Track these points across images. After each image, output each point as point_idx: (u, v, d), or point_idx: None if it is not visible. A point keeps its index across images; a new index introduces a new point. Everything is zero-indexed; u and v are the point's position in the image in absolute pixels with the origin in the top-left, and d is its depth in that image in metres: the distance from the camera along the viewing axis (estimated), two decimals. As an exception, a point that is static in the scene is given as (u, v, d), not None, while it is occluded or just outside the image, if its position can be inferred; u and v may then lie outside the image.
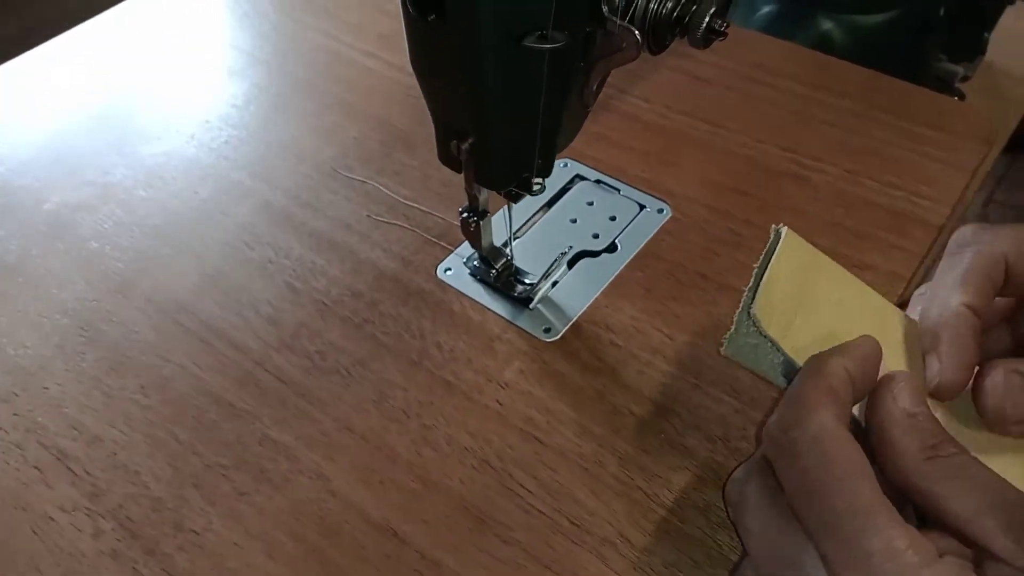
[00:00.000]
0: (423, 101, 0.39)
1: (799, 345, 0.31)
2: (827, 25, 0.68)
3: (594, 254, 0.50)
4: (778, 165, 0.54)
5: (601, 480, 0.40)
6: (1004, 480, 0.28)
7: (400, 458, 0.41)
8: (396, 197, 0.54)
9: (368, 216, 0.53)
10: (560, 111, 0.37)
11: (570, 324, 0.46)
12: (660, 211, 0.52)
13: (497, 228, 0.47)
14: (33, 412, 0.44)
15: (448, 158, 0.41)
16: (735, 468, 0.32)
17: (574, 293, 0.48)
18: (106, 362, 0.46)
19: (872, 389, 0.31)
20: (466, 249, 0.50)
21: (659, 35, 0.33)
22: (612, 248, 0.50)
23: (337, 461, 0.41)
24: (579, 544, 0.38)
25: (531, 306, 0.47)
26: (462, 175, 0.41)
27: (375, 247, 0.51)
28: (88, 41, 0.70)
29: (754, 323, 0.30)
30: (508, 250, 0.48)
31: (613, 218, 0.52)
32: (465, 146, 0.38)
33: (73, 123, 0.62)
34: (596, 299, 0.47)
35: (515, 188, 0.42)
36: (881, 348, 0.31)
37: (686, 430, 0.41)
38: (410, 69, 0.37)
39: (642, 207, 0.52)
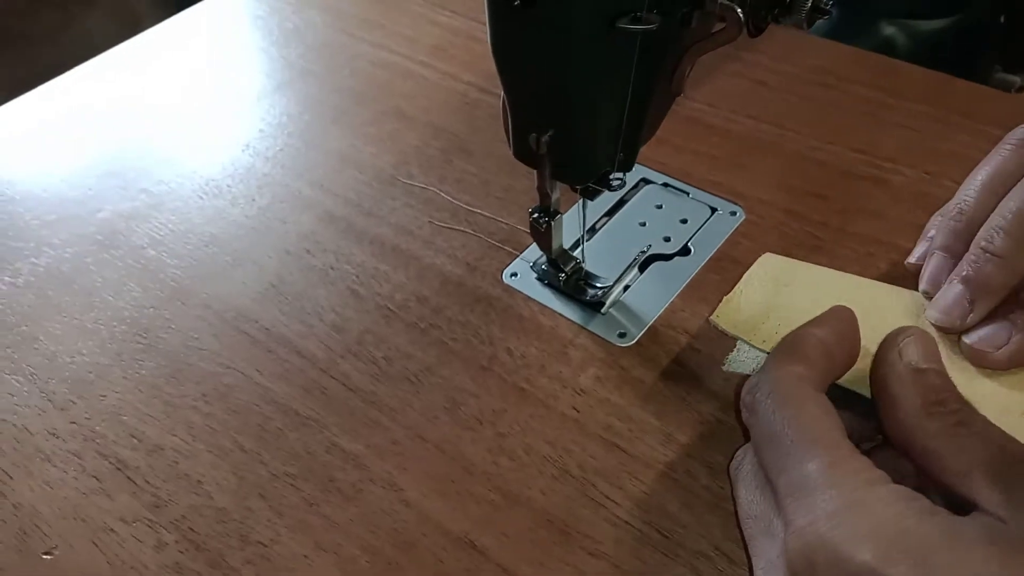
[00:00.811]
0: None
1: (773, 343, 0.33)
2: (889, 31, 0.66)
3: (667, 257, 0.48)
4: (853, 168, 0.52)
5: (692, 491, 0.37)
6: (1009, 436, 0.27)
7: (476, 468, 0.39)
8: (458, 203, 0.53)
9: (430, 222, 0.52)
10: (649, 99, 0.35)
11: (646, 329, 0.44)
12: (733, 214, 0.50)
13: (565, 231, 0.46)
14: (91, 420, 0.43)
15: (524, 153, 0.39)
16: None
17: (647, 297, 0.46)
18: (165, 370, 0.45)
19: (880, 346, 0.31)
20: (532, 253, 0.49)
21: (759, 15, 0.32)
22: (685, 251, 0.48)
23: (410, 471, 0.39)
24: (672, 557, 0.35)
25: (603, 310, 0.45)
26: (534, 173, 0.40)
27: (439, 253, 0.50)
28: (140, 54, 0.70)
29: (714, 325, 0.35)
30: (579, 252, 0.46)
31: (684, 221, 0.50)
32: (545, 139, 0.37)
33: (127, 134, 0.61)
34: (672, 303, 0.45)
35: (593, 184, 0.40)
36: (855, 314, 0.32)
37: (779, 438, 0.39)
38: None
39: (714, 210, 0.50)
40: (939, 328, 0.34)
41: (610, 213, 0.51)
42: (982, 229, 0.33)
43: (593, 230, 0.50)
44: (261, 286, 0.49)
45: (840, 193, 0.51)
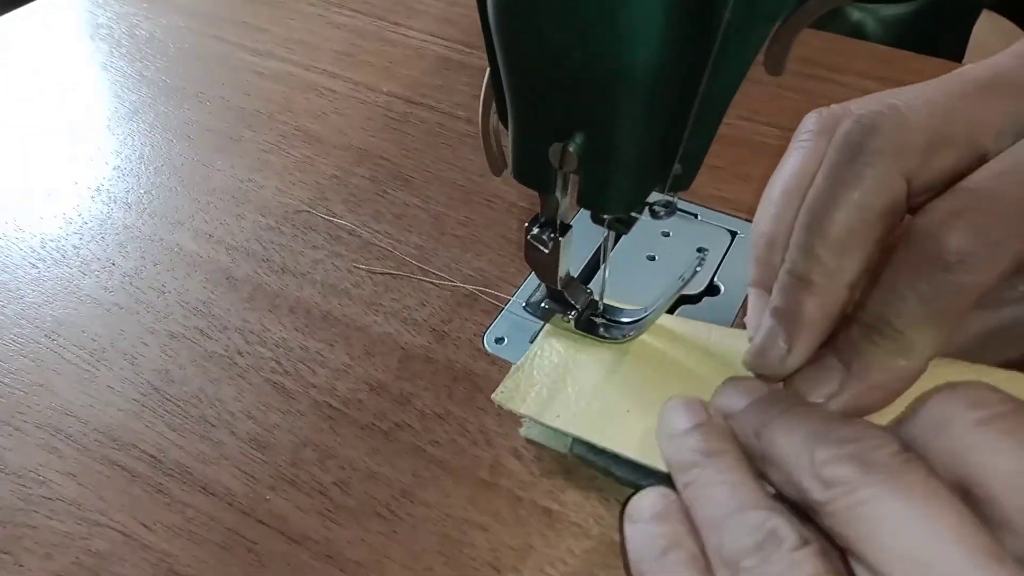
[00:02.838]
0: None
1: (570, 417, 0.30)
2: (857, 16, 0.60)
3: (694, 299, 0.37)
4: (881, 170, 0.43)
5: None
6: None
7: (504, 644, 0.26)
8: (404, 245, 0.40)
9: (371, 274, 0.38)
10: (736, 85, 0.24)
11: (692, 399, 0.33)
12: (759, 237, 0.40)
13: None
14: None
15: (532, 172, 0.27)
16: None
17: (682, 355, 0.34)
18: (-6, 539, 0.29)
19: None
20: (516, 305, 0.36)
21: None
22: (713, 290, 0.37)
23: (406, 666, 0.26)
24: None
25: (631, 375, 0.33)
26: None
27: (390, 318, 0.36)
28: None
29: (499, 404, 0.30)
30: (600, 291, 0.34)
31: (702, 250, 0.39)
32: (573, 148, 0.25)
33: (-80, 185, 0.44)
34: (717, 361, 0.34)
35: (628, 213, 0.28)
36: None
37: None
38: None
39: (734, 234, 0.40)
40: (760, 376, 0.28)
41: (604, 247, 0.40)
42: (788, 251, 0.27)
43: (591, 270, 0.38)
44: (137, 390, 0.34)
45: (876, 202, 0.41)
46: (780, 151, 0.44)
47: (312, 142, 0.46)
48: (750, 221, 0.40)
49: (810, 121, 0.30)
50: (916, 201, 0.26)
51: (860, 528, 0.20)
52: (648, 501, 0.26)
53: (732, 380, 0.28)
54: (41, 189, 0.44)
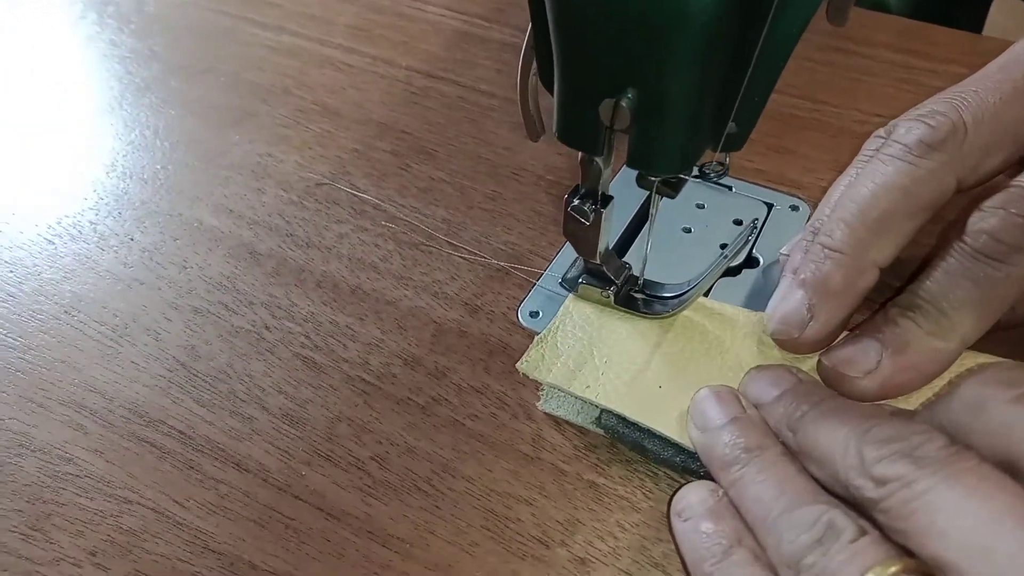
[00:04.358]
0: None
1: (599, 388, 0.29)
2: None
3: (733, 271, 0.36)
4: (914, 141, 0.42)
5: None
6: None
7: (556, 620, 0.25)
8: (432, 220, 0.39)
9: (399, 249, 0.37)
10: (796, 36, 0.23)
11: (737, 372, 0.32)
12: (795, 208, 0.39)
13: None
14: None
15: (578, 132, 0.26)
16: None
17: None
18: (21, 519, 0.28)
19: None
20: (549, 279, 0.35)
21: None
22: (752, 261, 0.36)
23: (455, 642, 0.25)
24: None
25: (672, 348, 0.32)
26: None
27: (421, 292, 0.35)
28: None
29: (524, 373, 0.30)
30: (641, 264, 0.33)
31: (738, 222, 0.38)
32: (626, 103, 0.24)
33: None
34: (760, 333, 0.33)
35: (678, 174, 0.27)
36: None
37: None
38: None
39: (770, 206, 0.39)
40: (782, 345, 0.28)
41: (638, 219, 0.39)
42: (824, 224, 0.28)
43: (625, 243, 0.37)
44: (163, 366, 0.33)
45: (911, 173, 0.41)
46: (810, 123, 0.44)
47: (331, 116, 0.45)
48: (789, 194, 0.39)
49: (872, 144, 0.30)
50: (962, 190, 0.27)
51: (919, 520, 0.20)
52: (697, 497, 0.25)
53: (760, 368, 0.28)
54: (53, 165, 0.43)
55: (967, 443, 0.22)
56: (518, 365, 0.30)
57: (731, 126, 0.26)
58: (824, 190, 0.39)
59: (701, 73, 0.23)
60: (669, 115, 0.24)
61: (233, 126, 0.45)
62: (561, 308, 0.33)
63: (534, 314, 0.34)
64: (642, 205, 0.39)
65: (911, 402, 0.28)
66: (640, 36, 0.23)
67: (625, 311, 0.32)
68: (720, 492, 0.25)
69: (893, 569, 0.20)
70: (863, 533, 0.21)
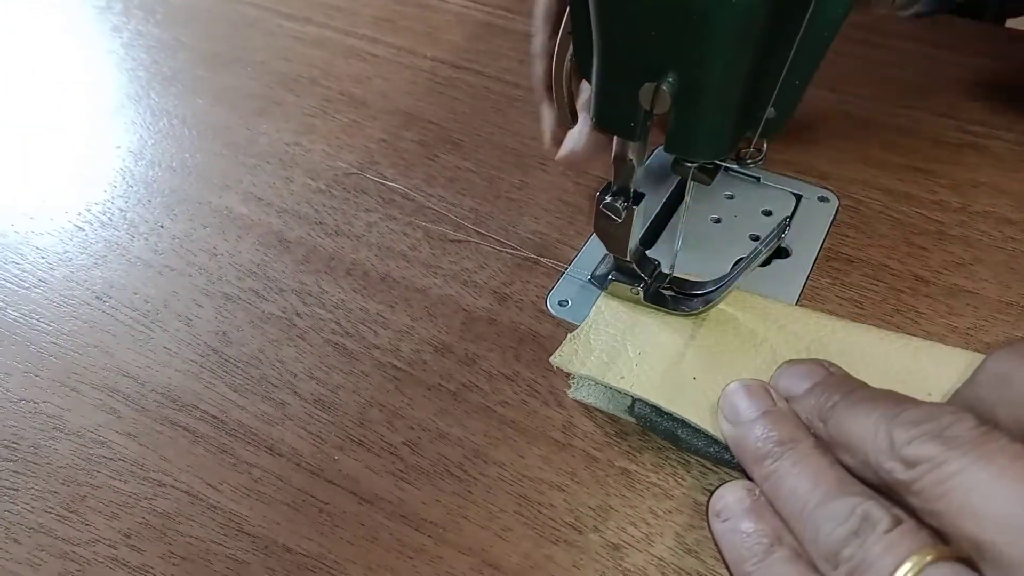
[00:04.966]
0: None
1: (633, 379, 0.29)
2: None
3: (764, 262, 0.36)
4: (944, 134, 0.42)
5: None
6: None
7: (591, 606, 0.25)
8: (460, 209, 0.39)
9: (428, 238, 0.37)
10: (840, 21, 0.23)
11: (767, 362, 0.32)
12: (824, 200, 0.39)
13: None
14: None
15: (616, 117, 0.26)
16: None
17: (753, 317, 0.33)
18: (56, 500, 0.28)
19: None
20: (580, 268, 0.35)
21: None
22: (782, 252, 0.36)
23: (490, 626, 0.25)
24: None
25: (702, 339, 0.32)
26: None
27: (450, 280, 0.35)
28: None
29: (560, 368, 0.30)
30: (672, 257, 0.33)
31: (768, 213, 0.38)
32: (666, 87, 0.24)
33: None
34: (790, 323, 0.33)
35: (716, 161, 0.27)
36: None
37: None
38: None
39: (799, 197, 0.39)
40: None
41: (667, 208, 0.39)
42: None
43: (652, 235, 0.37)
44: (195, 352, 0.33)
45: (940, 164, 0.40)
46: (839, 115, 0.44)
47: (357, 106, 0.45)
48: (817, 185, 0.39)
49: None
50: None
51: (952, 500, 0.20)
52: (735, 497, 0.25)
53: (792, 362, 0.28)
54: (82, 153, 0.43)
55: (994, 416, 0.22)
56: (552, 359, 0.30)
57: (770, 111, 0.26)
58: (855, 183, 0.39)
59: (742, 57, 0.23)
60: (709, 99, 0.24)
61: (260, 115, 0.45)
62: (593, 308, 0.33)
63: (563, 303, 0.34)
64: (666, 200, 0.39)
65: (933, 394, 0.28)
66: (683, 19, 0.23)
67: (655, 308, 0.32)
68: (757, 491, 0.25)
69: (930, 557, 0.20)
70: (898, 522, 0.21)
